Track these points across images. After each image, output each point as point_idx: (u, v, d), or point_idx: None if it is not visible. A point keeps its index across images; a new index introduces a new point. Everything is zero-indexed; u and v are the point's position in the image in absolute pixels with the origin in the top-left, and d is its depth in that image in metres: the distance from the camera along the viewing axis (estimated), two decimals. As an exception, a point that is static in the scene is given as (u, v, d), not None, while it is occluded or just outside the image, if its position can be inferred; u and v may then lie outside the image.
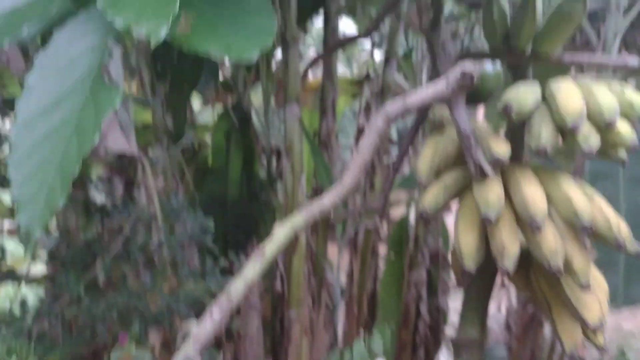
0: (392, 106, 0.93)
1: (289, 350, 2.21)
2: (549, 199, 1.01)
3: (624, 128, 0.99)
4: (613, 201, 1.65)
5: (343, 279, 3.18)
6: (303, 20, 2.50)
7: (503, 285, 4.18)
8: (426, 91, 0.92)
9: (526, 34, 1.05)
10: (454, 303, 5.99)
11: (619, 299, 1.59)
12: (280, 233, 0.85)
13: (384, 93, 2.77)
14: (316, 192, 2.61)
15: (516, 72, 1.12)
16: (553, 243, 0.96)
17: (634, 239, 1.66)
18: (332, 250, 3.08)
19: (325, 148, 2.56)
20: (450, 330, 6.13)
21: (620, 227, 1.02)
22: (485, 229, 1.02)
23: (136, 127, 2.24)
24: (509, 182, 1.03)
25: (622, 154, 1.04)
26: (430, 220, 1.20)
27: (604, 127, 0.96)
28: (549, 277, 1.05)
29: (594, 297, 1.02)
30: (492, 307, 4.01)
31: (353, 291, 2.91)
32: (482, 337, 1.08)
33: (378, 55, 3.44)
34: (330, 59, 2.56)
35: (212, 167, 2.76)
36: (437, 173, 1.11)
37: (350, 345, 2.89)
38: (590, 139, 0.96)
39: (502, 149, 1.00)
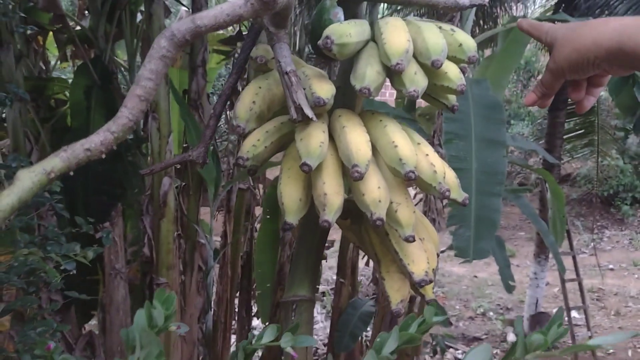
0: (179, 25, 0.76)
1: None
2: (376, 147, 0.93)
3: (452, 70, 0.92)
4: (466, 159, 1.78)
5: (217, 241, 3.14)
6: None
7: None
8: (220, 8, 0.77)
9: None
10: (328, 261, 6.17)
11: (470, 254, 1.70)
12: (27, 177, 0.66)
13: (256, 52, 2.72)
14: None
15: (347, 10, 1.03)
16: (377, 192, 0.89)
17: (484, 194, 1.81)
18: (205, 213, 3.02)
19: (195, 108, 2.47)
20: (323, 286, 6.33)
21: (446, 175, 0.96)
22: (310, 180, 0.93)
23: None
24: (334, 129, 0.94)
25: (452, 99, 0.98)
26: (255, 173, 1.05)
27: (430, 67, 0.88)
28: (378, 230, 0.97)
29: (422, 249, 0.97)
30: (361, 262, 4.19)
31: (227, 253, 2.89)
32: (312, 295, 1.02)
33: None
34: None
35: (71, 126, 2.56)
36: (260, 118, 0.98)
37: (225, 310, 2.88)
38: (416, 80, 0.88)
39: (325, 89, 0.90)
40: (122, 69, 2.89)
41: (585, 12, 4.30)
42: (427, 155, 0.94)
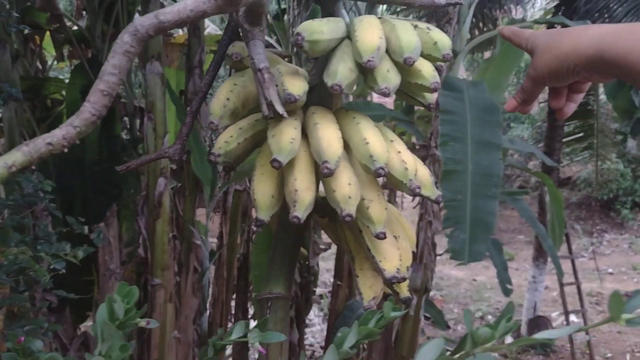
0: (143, 20, 0.76)
1: (153, 317, 2.14)
2: (349, 144, 0.93)
3: (426, 68, 0.91)
4: (462, 162, 1.77)
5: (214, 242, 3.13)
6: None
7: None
8: (184, 4, 0.76)
9: None
10: (326, 263, 6.15)
11: (465, 256, 1.69)
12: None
13: (253, 53, 2.71)
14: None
15: (325, 9, 1.03)
16: (347, 189, 0.88)
17: (480, 195, 1.80)
18: (202, 214, 3.01)
19: (192, 108, 2.45)
20: (321, 289, 6.32)
21: (418, 172, 0.95)
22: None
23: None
24: (307, 125, 0.95)
25: (429, 97, 0.97)
26: (231, 169, 1.05)
27: (403, 64, 0.88)
28: (352, 227, 0.97)
29: (394, 246, 0.96)
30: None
31: (223, 255, 2.88)
32: (287, 293, 1.02)
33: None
34: (196, 14, 2.44)
35: (67, 126, 2.55)
36: (235, 115, 0.98)
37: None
38: (388, 77, 0.87)
39: (297, 86, 0.90)
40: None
41: (584, 15, 4.29)
42: (399, 152, 0.93)
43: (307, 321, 5.09)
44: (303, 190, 0.89)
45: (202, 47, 2.47)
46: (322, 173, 0.87)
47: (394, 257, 0.95)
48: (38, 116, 2.62)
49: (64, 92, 2.71)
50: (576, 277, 5.10)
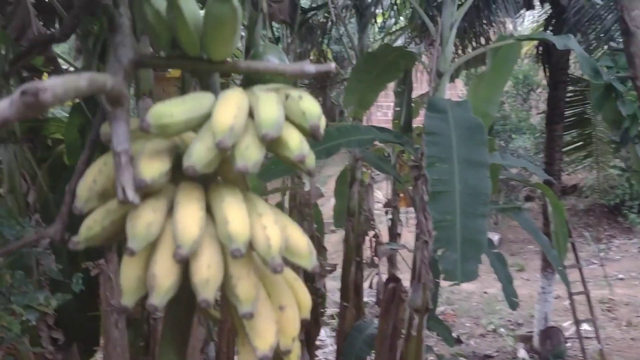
0: None
1: (156, 349, 2.16)
2: (214, 221, 0.89)
3: (293, 139, 0.89)
4: (449, 182, 1.79)
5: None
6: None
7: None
8: None
9: (185, 39, 0.91)
10: (334, 282, 6.15)
11: (458, 276, 1.70)
12: None
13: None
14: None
15: (201, 82, 0.97)
16: (205, 272, 0.84)
17: (469, 214, 1.80)
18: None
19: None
20: (333, 309, 6.30)
21: (290, 245, 0.92)
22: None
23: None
24: (174, 204, 0.89)
25: (309, 164, 0.92)
26: (111, 247, 1.00)
27: (264, 140, 0.85)
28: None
29: (271, 321, 0.92)
30: (365, 285, 4.18)
31: (227, 283, 2.90)
32: None
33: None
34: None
35: (68, 165, 2.61)
36: (103, 197, 0.93)
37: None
38: (246, 154, 0.85)
39: (152, 169, 0.86)
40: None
41: (574, 25, 4.33)
42: (265, 227, 0.88)
43: (318, 342, 5.07)
44: (161, 276, 0.85)
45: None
46: (174, 258, 0.83)
47: (268, 334, 0.90)
48: (39, 156, 2.67)
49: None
50: (584, 286, 5.07)
